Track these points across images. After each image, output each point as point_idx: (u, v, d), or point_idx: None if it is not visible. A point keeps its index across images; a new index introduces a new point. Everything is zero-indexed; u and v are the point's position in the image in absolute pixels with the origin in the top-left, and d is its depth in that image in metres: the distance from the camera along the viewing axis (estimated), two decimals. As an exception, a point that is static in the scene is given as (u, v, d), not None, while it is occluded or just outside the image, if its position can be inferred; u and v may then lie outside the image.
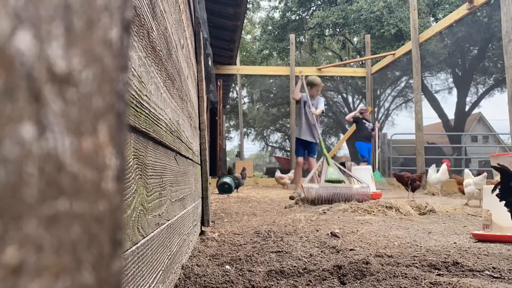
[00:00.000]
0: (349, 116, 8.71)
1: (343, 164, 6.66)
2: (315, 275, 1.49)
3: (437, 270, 1.59)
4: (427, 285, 1.35)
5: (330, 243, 2.10)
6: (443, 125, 18.44)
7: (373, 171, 6.66)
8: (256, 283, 1.40)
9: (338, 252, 1.92)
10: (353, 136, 9.33)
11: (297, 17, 18.72)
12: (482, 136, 27.70)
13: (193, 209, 2.10)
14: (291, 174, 8.11)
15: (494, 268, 1.62)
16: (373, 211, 3.70)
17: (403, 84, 20.59)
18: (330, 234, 2.37)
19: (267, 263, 1.69)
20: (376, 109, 19.07)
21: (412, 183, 5.56)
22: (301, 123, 6.04)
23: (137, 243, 0.81)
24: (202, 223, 2.70)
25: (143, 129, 0.87)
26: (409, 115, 22.10)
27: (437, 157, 12.17)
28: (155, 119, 1.02)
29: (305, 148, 6.07)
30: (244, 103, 24.51)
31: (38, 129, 0.17)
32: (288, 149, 21.44)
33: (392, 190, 7.15)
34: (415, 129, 8.09)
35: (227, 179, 6.35)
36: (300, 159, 6.09)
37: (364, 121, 8.35)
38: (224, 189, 6.28)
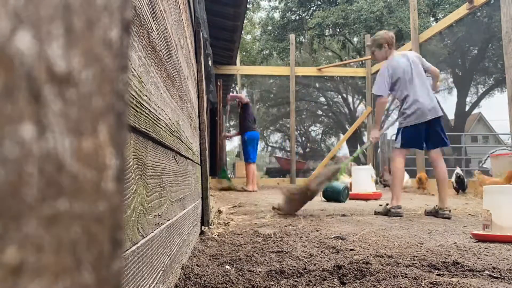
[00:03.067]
0: None
1: None
2: (315, 275, 1.49)
3: (437, 270, 1.59)
4: (427, 285, 1.35)
5: (330, 243, 2.10)
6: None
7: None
8: (256, 283, 1.40)
9: (338, 252, 1.92)
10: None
11: (297, 17, 18.71)
12: (482, 136, 27.69)
13: (193, 209, 2.10)
14: None
15: (494, 268, 1.61)
16: (373, 211, 3.70)
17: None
18: (334, 238, 2.36)
19: (267, 263, 1.69)
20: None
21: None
22: None
23: (137, 243, 0.81)
24: (202, 223, 2.70)
25: (143, 129, 0.87)
26: (409, 115, 21.99)
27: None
28: (155, 119, 1.01)
29: None
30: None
31: (38, 129, 0.17)
32: (288, 149, 21.42)
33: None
34: (415, 129, 8.07)
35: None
36: None
37: None
38: (345, 195, 4.93)
